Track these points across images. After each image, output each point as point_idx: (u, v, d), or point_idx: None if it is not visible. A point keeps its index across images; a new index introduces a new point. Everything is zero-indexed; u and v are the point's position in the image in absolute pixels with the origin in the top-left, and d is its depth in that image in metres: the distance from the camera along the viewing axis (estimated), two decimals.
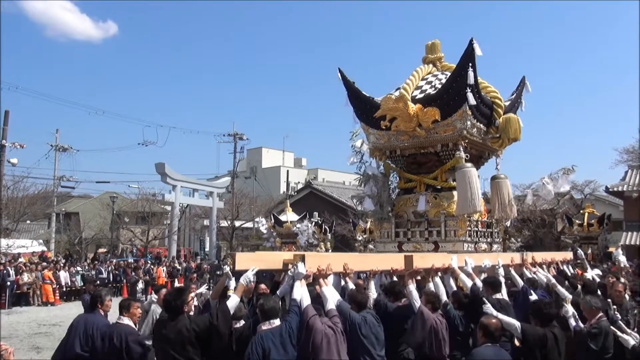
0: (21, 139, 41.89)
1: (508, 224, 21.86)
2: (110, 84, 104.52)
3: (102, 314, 6.02)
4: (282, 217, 16.31)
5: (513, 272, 7.57)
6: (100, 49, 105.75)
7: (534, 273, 7.85)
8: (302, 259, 5.20)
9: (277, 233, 16.32)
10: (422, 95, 8.86)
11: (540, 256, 9.02)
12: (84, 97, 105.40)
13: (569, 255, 10.57)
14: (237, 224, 34.84)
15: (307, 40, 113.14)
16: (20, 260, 25.53)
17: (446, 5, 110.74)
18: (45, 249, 34.98)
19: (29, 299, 20.29)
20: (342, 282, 5.93)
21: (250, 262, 5.73)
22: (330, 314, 4.97)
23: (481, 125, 8.82)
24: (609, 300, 7.69)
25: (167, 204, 34.58)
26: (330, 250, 15.27)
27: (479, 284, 6.46)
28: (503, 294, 6.68)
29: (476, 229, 8.81)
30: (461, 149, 8.46)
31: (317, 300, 5.38)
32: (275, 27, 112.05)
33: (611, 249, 18.87)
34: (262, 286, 6.44)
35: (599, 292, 7.93)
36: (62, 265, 23.67)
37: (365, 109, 9.08)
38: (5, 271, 19.88)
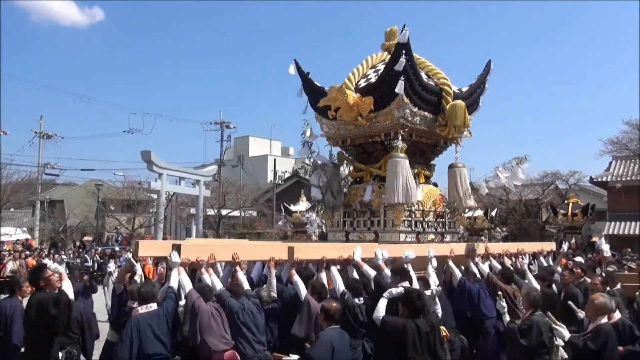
0: (4, 125, 41.33)
1: (494, 213, 22.01)
2: (96, 70, 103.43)
3: (20, 298, 6.19)
4: (294, 207, 16.56)
5: (451, 263, 7.53)
6: (86, 36, 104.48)
7: (476, 265, 7.75)
8: (177, 248, 5.46)
9: (290, 222, 16.63)
10: (365, 84, 8.86)
11: (500, 247, 8.93)
12: (69, 84, 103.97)
13: (549, 246, 10.39)
14: (224, 212, 34.74)
15: (295, 29, 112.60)
16: (3, 248, 25.29)
17: (449, 5, 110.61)
18: (29, 236, 34.68)
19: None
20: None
21: (152, 250, 6.16)
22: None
23: (426, 113, 8.68)
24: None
25: (153, 192, 34.20)
26: (317, 240, 15.31)
27: (387, 274, 6.43)
28: (434, 284, 6.74)
29: (420, 219, 8.66)
30: (399, 137, 8.36)
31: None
32: (264, 15, 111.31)
33: (594, 239, 19.12)
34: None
35: (554, 288, 7.99)
36: (46, 253, 23.49)
37: (317, 99, 9.04)
38: None
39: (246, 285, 5.83)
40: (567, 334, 5.31)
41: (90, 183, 38.69)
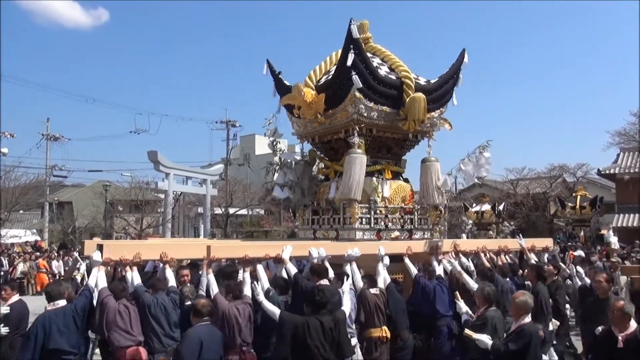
0: (11, 128, 41.54)
1: (501, 207, 21.85)
2: (102, 72, 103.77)
3: None
4: None
5: (407, 260, 7.50)
6: (91, 37, 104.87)
7: (439, 262, 7.68)
8: (100, 247, 5.82)
9: None
10: (325, 81, 8.82)
11: (475, 244, 8.76)
12: (75, 86, 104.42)
13: (543, 242, 9.88)
14: (231, 211, 34.78)
15: (301, 27, 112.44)
16: (14, 250, 25.44)
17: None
18: (38, 238, 34.87)
19: (24, 288, 20.26)
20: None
21: (119, 251, 6.25)
22: (129, 297, 5.70)
23: (385, 107, 8.51)
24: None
25: (160, 192, 34.25)
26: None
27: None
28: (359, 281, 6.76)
29: (382, 215, 8.52)
30: (355, 134, 8.25)
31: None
32: (270, 14, 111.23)
33: (603, 231, 19.01)
34: (184, 272, 6.89)
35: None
36: (55, 255, 23.61)
37: None
38: None
39: (171, 282, 6.04)
40: (489, 342, 5.00)
41: (98, 184, 38.76)
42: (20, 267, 20.17)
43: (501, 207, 20.82)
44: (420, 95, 8.37)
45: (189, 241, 9.28)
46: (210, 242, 7.02)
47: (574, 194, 21.07)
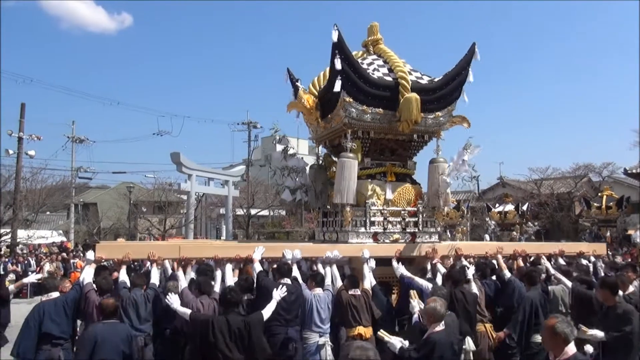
0: (37, 131, 42.27)
1: (525, 207, 21.50)
2: (125, 75, 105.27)
3: None
4: None
5: (394, 263, 7.49)
6: (115, 41, 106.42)
7: (434, 266, 7.62)
8: (93, 248, 6.45)
9: None
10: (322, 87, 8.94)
11: (483, 248, 8.53)
12: (99, 89, 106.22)
13: (576, 247, 9.49)
14: (253, 212, 34.96)
15: (321, 29, 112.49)
16: (41, 250, 25.91)
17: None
18: (64, 239, 35.48)
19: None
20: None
21: (109, 252, 6.91)
22: (112, 293, 6.18)
23: (380, 109, 8.40)
24: None
25: (183, 193, 34.57)
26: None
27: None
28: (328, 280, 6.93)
29: (379, 218, 8.40)
30: (348, 137, 8.27)
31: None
32: (291, 16, 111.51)
33: (630, 232, 18.67)
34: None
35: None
36: (81, 255, 24.00)
37: None
38: (26, 262, 20.27)
39: (153, 280, 6.49)
40: (397, 346, 4.81)
41: (122, 185, 39.40)
42: (47, 267, 20.54)
43: (525, 208, 20.57)
44: (413, 95, 8.21)
45: (165, 242, 10.01)
46: (181, 243, 7.69)
47: (599, 194, 20.67)
